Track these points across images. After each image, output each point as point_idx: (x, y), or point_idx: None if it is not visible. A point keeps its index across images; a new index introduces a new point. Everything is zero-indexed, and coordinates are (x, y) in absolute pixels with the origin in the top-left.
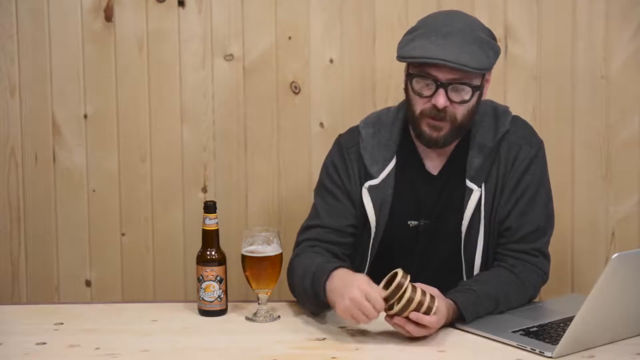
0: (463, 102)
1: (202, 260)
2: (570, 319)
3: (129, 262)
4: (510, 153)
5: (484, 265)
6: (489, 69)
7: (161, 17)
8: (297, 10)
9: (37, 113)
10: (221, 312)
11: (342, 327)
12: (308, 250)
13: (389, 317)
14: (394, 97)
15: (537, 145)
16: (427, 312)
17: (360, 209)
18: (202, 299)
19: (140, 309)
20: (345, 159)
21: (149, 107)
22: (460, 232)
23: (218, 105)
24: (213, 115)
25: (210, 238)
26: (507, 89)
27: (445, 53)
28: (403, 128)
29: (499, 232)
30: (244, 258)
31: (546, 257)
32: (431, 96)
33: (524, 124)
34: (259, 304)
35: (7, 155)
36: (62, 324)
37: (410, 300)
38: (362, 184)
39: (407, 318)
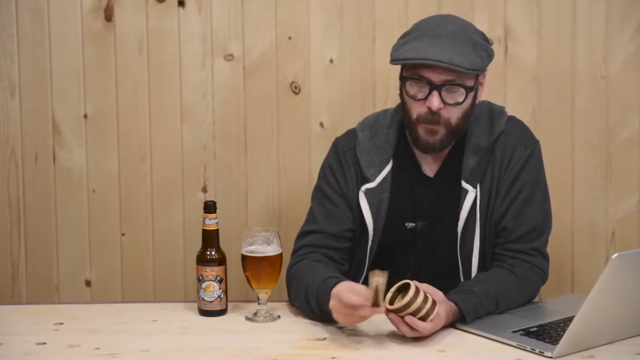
0: (457, 104)
1: (202, 260)
2: (570, 319)
3: (129, 262)
4: (505, 154)
5: (481, 266)
6: (482, 70)
7: (161, 17)
8: (297, 10)
9: (37, 113)
10: (221, 312)
11: (342, 327)
12: (307, 258)
13: (388, 311)
14: (394, 97)
15: (531, 146)
16: (425, 317)
17: (357, 212)
18: (202, 299)
19: (140, 309)
20: (342, 162)
21: (149, 107)
22: (457, 233)
23: (218, 105)
24: (213, 115)
25: (210, 238)
26: (506, 89)
27: (438, 54)
28: (399, 131)
29: (496, 233)
30: (244, 258)
31: (545, 256)
32: (425, 99)
33: (520, 124)
34: (259, 304)
35: (7, 155)
36: (62, 324)
37: (409, 304)
38: (359, 187)
39: (404, 318)
